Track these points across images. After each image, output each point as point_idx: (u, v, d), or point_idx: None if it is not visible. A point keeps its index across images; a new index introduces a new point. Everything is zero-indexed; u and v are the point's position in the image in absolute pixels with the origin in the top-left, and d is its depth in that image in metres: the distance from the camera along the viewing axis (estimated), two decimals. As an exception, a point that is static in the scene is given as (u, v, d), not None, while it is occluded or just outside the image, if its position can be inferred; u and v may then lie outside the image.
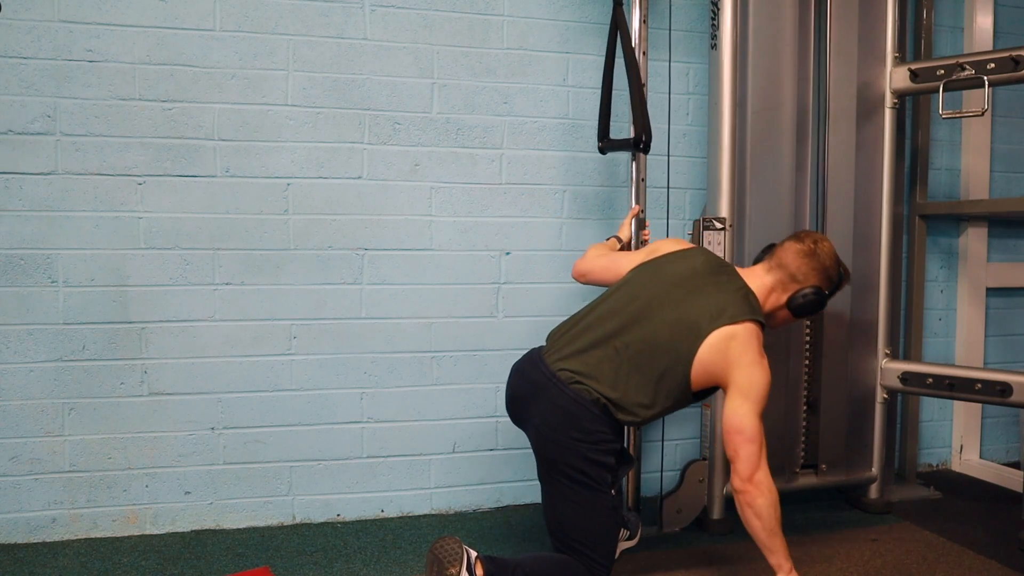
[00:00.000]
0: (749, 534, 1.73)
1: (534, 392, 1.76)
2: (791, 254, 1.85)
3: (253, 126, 2.28)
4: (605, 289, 1.92)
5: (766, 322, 1.81)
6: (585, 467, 1.69)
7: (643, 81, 2.24)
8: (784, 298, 1.85)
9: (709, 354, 1.68)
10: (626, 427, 1.83)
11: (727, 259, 2.24)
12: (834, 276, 1.88)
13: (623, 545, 2.10)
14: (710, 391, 1.78)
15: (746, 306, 1.73)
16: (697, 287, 1.76)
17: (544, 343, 1.87)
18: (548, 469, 1.74)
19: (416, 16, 2.37)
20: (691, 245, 1.92)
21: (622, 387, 1.70)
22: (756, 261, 1.96)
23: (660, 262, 1.85)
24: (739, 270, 1.88)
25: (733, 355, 1.67)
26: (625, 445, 1.82)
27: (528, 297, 2.50)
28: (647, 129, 2.16)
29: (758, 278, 1.86)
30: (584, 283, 2.08)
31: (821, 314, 2.40)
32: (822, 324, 2.41)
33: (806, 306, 1.84)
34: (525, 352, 1.90)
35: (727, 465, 2.34)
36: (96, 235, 2.19)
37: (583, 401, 1.68)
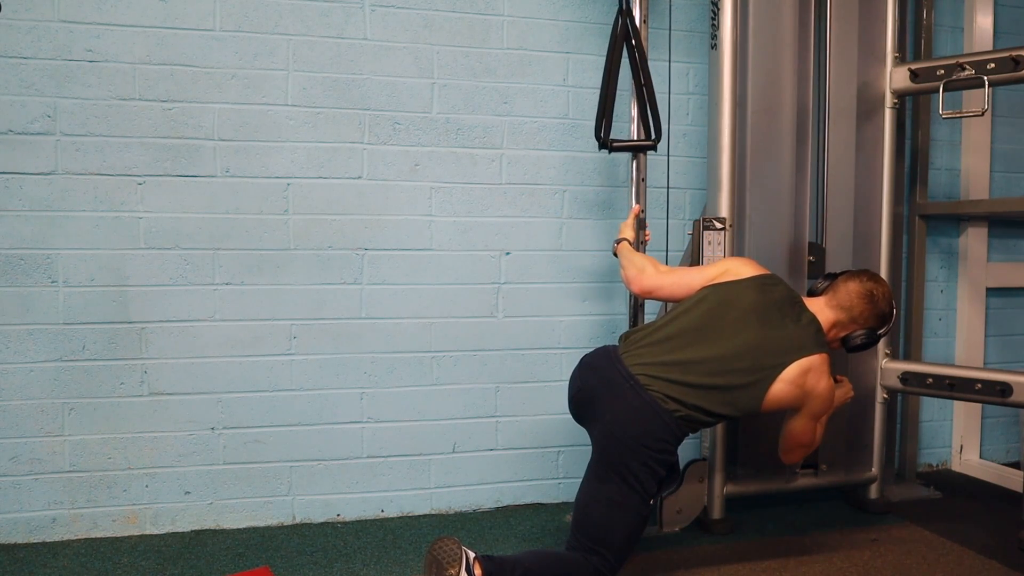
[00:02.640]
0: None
1: (608, 389, 1.78)
2: (854, 297, 1.94)
3: (253, 126, 2.28)
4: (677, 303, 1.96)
5: None
6: (640, 472, 1.72)
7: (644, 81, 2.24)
8: (842, 334, 1.96)
9: (786, 387, 1.79)
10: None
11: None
12: (888, 318, 1.98)
13: None
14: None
15: (818, 340, 1.85)
16: (776, 318, 1.84)
17: (616, 343, 1.90)
18: (605, 467, 1.76)
19: (416, 16, 2.37)
20: (764, 270, 1.96)
21: (692, 400, 1.75)
22: (815, 292, 2.04)
23: (740, 287, 1.89)
24: (805, 300, 1.96)
25: (808, 387, 1.80)
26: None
27: (528, 297, 2.50)
28: (659, 129, 2.21)
29: (822, 312, 1.94)
30: (650, 298, 2.10)
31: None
32: (822, 324, 2.41)
33: (861, 346, 1.97)
34: (595, 349, 1.91)
35: (727, 465, 2.35)
36: (96, 235, 2.19)
37: (658, 408, 1.72)
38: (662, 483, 1.79)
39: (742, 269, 1.94)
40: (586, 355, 1.91)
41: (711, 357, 1.78)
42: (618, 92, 2.46)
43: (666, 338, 1.83)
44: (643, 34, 2.24)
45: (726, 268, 1.96)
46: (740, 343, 1.79)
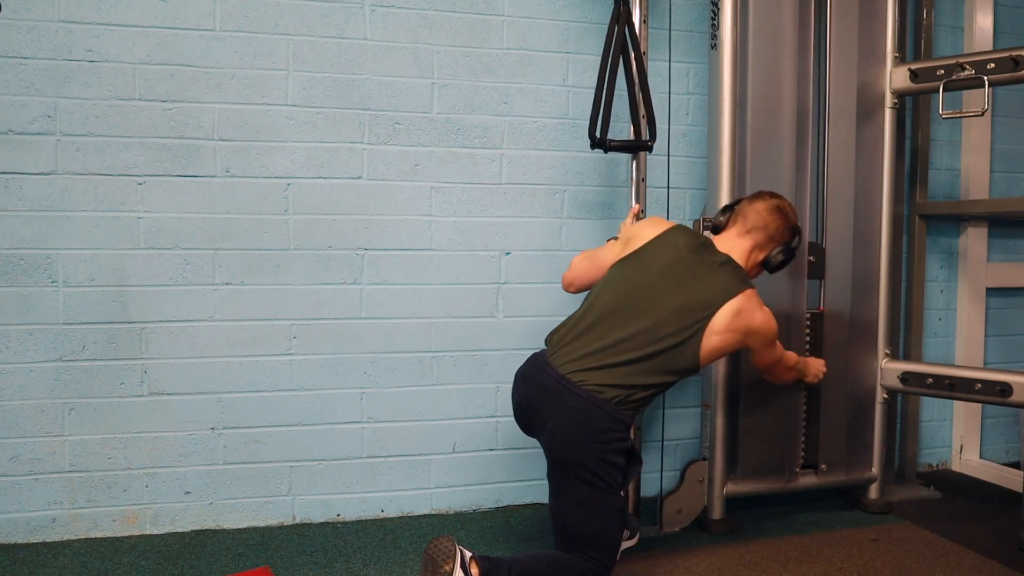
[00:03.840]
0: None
1: (545, 396, 1.75)
2: (765, 214, 1.94)
3: (253, 126, 2.28)
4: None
5: None
6: (597, 468, 1.70)
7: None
8: (761, 256, 1.96)
9: (720, 337, 1.77)
10: (634, 423, 1.85)
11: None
12: (798, 230, 2.00)
13: (623, 545, 2.11)
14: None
15: (737, 278, 1.82)
16: (688, 271, 1.81)
17: (544, 346, 1.87)
18: (561, 472, 1.74)
19: (416, 16, 2.37)
20: (668, 224, 1.92)
21: (629, 380, 1.72)
22: (719, 227, 2.03)
23: (643, 252, 1.86)
24: (714, 239, 1.94)
25: (744, 326, 1.79)
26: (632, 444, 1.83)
27: (528, 297, 2.50)
28: (653, 130, 2.22)
29: (736, 243, 1.93)
30: (575, 292, 2.07)
31: (821, 315, 2.41)
32: (822, 324, 2.41)
33: (783, 263, 1.98)
34: (527, 358, 1.88)
35: (727, 465, 2.35)
36: (96, 235, 2.19)
37: (596, 401, 1.69)
38: (626, 471, 1.77)
39: (644, 231, 1.91)
40: (522, 366, 1.87)
41: (637, 331, 1.74)
42: (618, 93, 2.46)
43: (588, 327, 1.79)
44: (643, 34, 2.24)
45: (630, 235, 1.93)
46: (661, 309, 1.76)
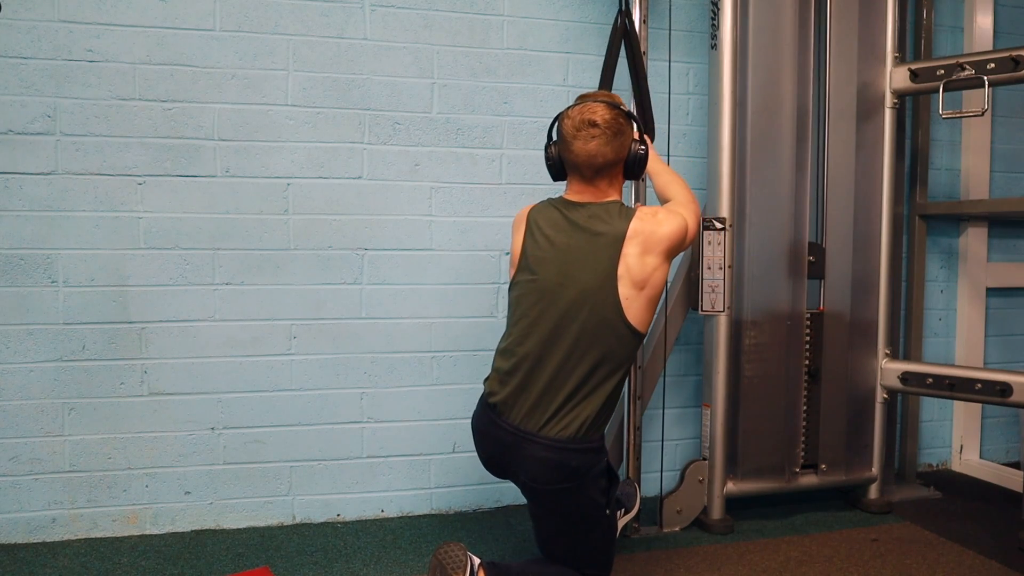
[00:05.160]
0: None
1: (507, 451, 1.67)
2: (597, 155, 1.69)
3: (253, 126, 2.28)
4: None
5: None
6: (581, 500, 1.66)
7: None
8: (623, 165, 1.75)
9: (632, 285, 1.64)
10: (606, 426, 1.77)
11: (727, 260, 2.24)
12: (631, 113, 1.77)
13: (623, 520, 2.12)
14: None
15: (620, 214, 1.69)
16: (576, 252, 1.67)
17: (487, 389, 1.75)
18: (546, 512, 1.72)
19: (416, 16, 2.37)
20: (524, 215, 1.80)
21: (587, 406, 1.63)
22: (579, 184, 1.76)
23: (531, 258, 1.73)
24: (579, 197, 1.75)
25: (661, 249, 1.67)
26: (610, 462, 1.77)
27: (528, 297, 2.50)
28: (652, 129, 2.22)
29: (603, 192, 1.74)
30: None
31: (821, 315, 2.41)
32: (822, 324, 2.41)
33: (644, 155, 1.76)
34: (478, 404, 1.78)
35: (727, 465, 2.35)
36: (96, 235, 2.19)
37: (561, 443, 1.61)
38: (608, 490, 1.72)
39: (515, 239, 1.79)
40: (473, 417, 1.78)
41: (565, 355, 1.63)
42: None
43: (520, 361, 1.67)
44: (643, 34, 2.24)
45: (513, 242, 1.81)
46: (574, 307, 1.63)
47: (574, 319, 1.64)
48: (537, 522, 1.76)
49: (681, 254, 2.49)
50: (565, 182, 1.82)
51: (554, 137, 1.80)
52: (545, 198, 1.83)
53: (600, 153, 1.69)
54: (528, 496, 1.74)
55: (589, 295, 1.64)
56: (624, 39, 2.20)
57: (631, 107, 2.28)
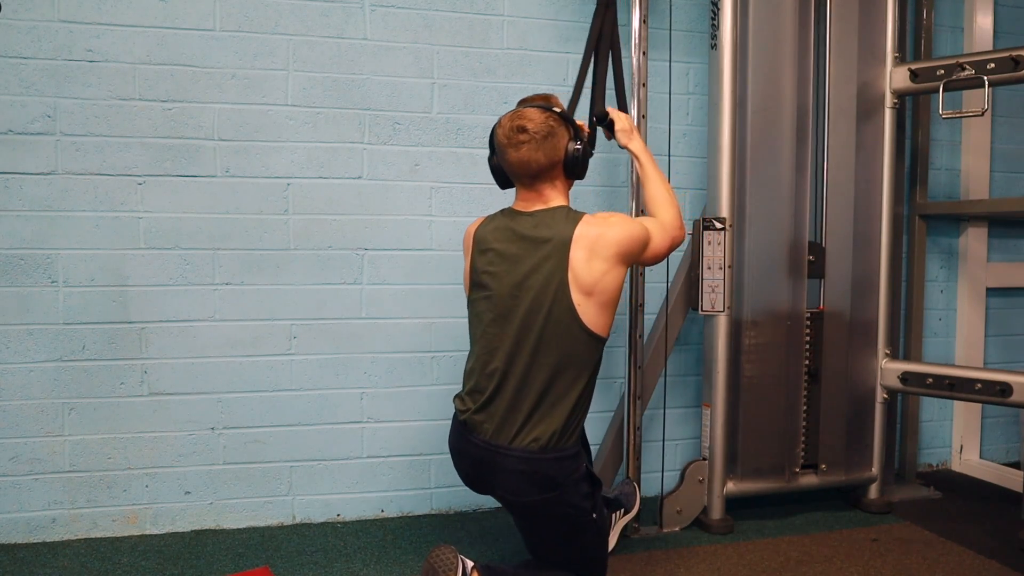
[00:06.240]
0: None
1: (483, 467, 1.67)
2: (530, 161, 1.66)
3: (253, 126, 2.28)
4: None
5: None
6: (564, 509, 1.65)
7: (643, 81, 2.24)
8: (563, 169, 1.72)
9: (580, 291, 1.61)
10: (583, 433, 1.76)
11: (727, 260, 2.24)
12: (565, 112, 1.72)
13: (623, 520, 2.14)
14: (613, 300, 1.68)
15: (567, 219, 1.65)
16: (525, 262, 1.65)
17: (456, 407, 1.77)
18: (531, 523, 1.72)
19: (416, 16, 2.37)
20: (472, 231, 1.80)
21: (555, 415, 1.62)
22: (523, 190, 1.74)
23: (483, 274, 1.74)
24: (525, 205, 1.73)
25: (612, 253, 1.62)
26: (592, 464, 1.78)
27: (528, 297, 2.49)
28: (625, 108, 2.14)
29: (548, 197, 1.71)
30: None
31: (821, 314, 2.41)
32: (822, 324, 2.41)
33: (583, 153, 1.71)
34: (452, 421, 1.79)
35: (727, 465, 2.35)
36: (96, 235, 2.19)
37: (535, 454, 1.60)
38: (592, 494, 1.70)
39: (467, 253, 1.80)
40: (449, 437, 1.79)
41: (527, 365, 1.62)
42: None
43: (487, 378, 1.67)
44: (643, 34, 2.24)
45: (465, 262, 1.82)
46: (530, 318, 1.62)
47: (531, 328, 1.63)
48: (524, 533, 1.77)
49: (683, 254, 2.51)
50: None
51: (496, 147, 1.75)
52: (498, 210, 1.82)
53: (532, 159, 1.66)
54: (510, 510, 1.74)
55: (543, 303, 1.62)
56: (602, 20, 2.14)
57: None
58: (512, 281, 1.67)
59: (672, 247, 1.80)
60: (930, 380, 2.36)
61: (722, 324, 2.29)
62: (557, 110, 1.69)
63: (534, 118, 1.66)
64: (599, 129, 2.07)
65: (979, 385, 2.25)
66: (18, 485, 2.18)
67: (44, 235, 2.16)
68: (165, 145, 2.22)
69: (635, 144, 1.95)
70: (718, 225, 2.24)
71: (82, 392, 2.20)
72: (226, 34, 2.24)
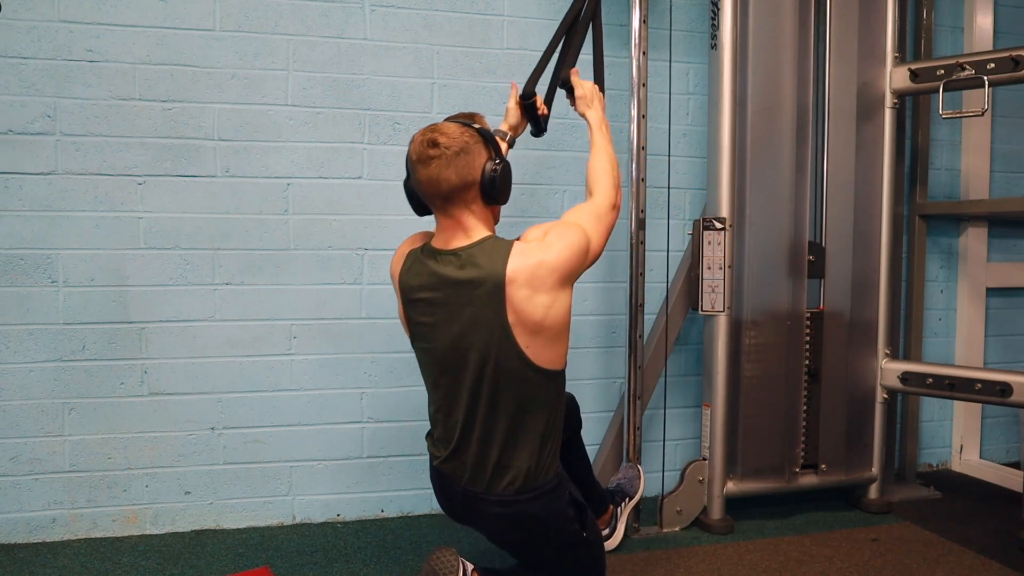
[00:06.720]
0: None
1: (464, 510, 1.65)
2: (440, 180, 1.48)
3: (253, 126, 2.27)
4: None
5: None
6: (551, 540, 1.63)
7: (643, 81, 2.24)
8: (481, 202, 1.55)
9: (526, 332, 1.48)
10: (556, 460, 1.66)
11: (727, 260, 2.24)
12: (485, 129, 1.57)
13: (628, 507, 2.15)
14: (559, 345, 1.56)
15: (499, 261, 1.47)
16: (460, 313, 1.52)
17: (429, 450, 1.72)
18: (519, 553, 1.71)
19: (416, 16, 2.37)
20: (400, 264, 1.66)
21: (513, 445, 1.55)
22: (441, 218, 1.58)
23: (418, 326, 1.63)
24: (446, 242, 1.57)
25: (544, 284, 1.47)
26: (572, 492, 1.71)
27: (528, 297, 2.49)
28: (602, 86, 2.05)
29: (469, 227, 1.55)
30: None
31: (821, 317, 2.41)
32: (822, 323, 2.41)
33: (499, 175, 1.53)
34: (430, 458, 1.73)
35: (727, 465, 2.35)
36: (96, 235, 2.19)
37: (515, 496, 1.55)
38: (578, 519, 1.66)
39: (396, 293, 1.67)
40: (430, 473, 1.71)
41: (486, 414, 1.54)
42: (618, 93, 2.47)
43: (452, 427, 1.60)
44: (643, 34, 2.24)
45: (398, 305, 1.69)
46: (481, 375, 1.52)
47: (483, 380, 1.52)
48: (517, 556, 1.75)
49: (682, 253, 2.51)
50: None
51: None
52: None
53: (442, 178, 1.47)
54: (499, 545, 1.73)
55: (488, 355, 1.50)
56: (587, 17, 2.09)
57: (632, 108, 2.28)
58: (451, 335, 1.54)
59: (608, 234, 1.65)
60: (930, 380, 2.36)
61: (722, 324, 2.29)
62: (477, 126, 1.54)
63: (448, 132, 1.49)
64: (561, 96, 2.00)
65: (979, 385, 2.25)
66: (18, 485, 2.18)
67: (44, 235, 2.16)
68: (165, 145, 2.22)
69: (592, 114, 1.85)
70: (718, 225, 2.24)
71: (82, 392, 2.20)
72: (226, 34, 2.24)
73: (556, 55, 2.05)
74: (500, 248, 1.50)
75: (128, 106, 2.19)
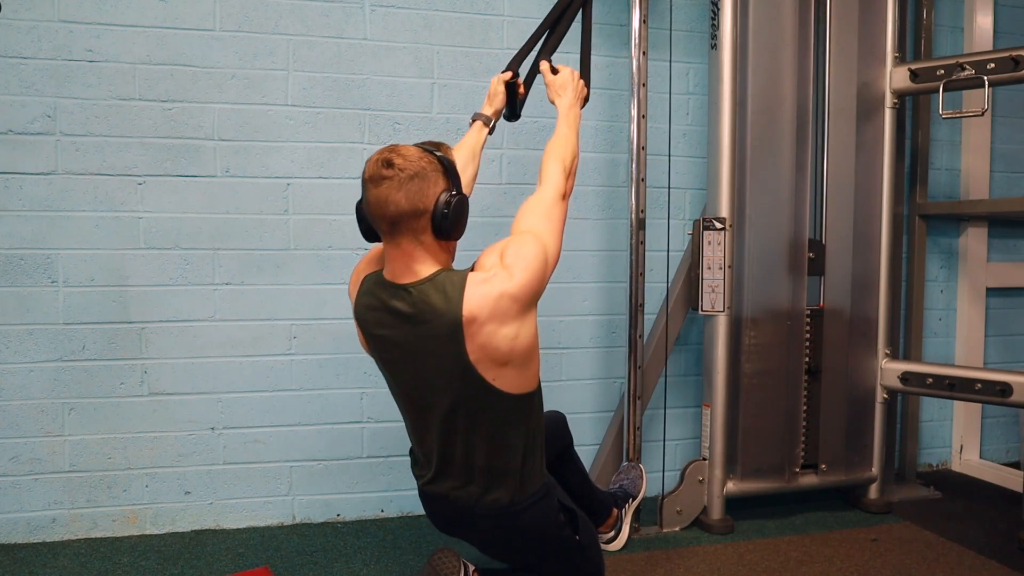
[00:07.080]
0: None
1: (454, 524, 1.65)
2: (388, 201, 1.38)
3: (253, 126, 2.27)
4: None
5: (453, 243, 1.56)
6: (545, 548, 1.63)
7: (643, 81, 2.24)
8: (431, 235, 1.45)
9: (493, 366, 1.44)
10: (544, 468, 1.64)
11: (727, 260, 2.24)
12: (444, 159, 1.46)
13: (631, 507, 2.16)
14: (528, 368, 1.51)
15: (454, 298, 1.40)
16: (418, 353, 1.47)
17: (413, 468, 1.71)
18: (514, 563, 1.72)
19: (416, 16, 2.37)
20: (356, 295, 1.58)
21: (496, 463, 1.53)
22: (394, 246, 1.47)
23: (380, 360, 1.60)
24: (397, 275, 1.49)
25: (508, 314, 1.40)
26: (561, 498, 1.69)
27: (528, 297, 2.49)
28: (588, 79, 2.01)
29: (420, 259, 1.46)
30: None
31: (821, 315, 2.41)
32: (822, 324, 2.41)
33: (454, 210, 1.43)
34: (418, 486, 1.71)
35: (727, 465, 2.35)
36: (96, 235, 2.19)
37: (504, 509, 1.54)
38: (570, 524, 1.65)
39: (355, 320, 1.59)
40: (419, 487, 1.67)
41: (463, 440, 1.52)
42: (618, 93, 2.47)
43: (428, 459, 1.60)
44: (643, 34, 2.24)
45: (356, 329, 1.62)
46: (451, 408, 1.49)
47: (455, 412, 1.49)
48: (513, 566, 1.75)
49: (682, 253, 2.51)
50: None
51: None
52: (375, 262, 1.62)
53: (391, 200, 1.37)
54: (494, 558, 1.73)
55: (454, 391, 1.46)
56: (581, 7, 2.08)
57: (632, 108, 2.28)
58: (412, 375, 1.51)
59: (561, 227, 1.60)
60: (930, 380, 2.36)
61: (722, 324, 2.29)
62: (439, 155, 1.45)
63: (406, 154, 1.40)
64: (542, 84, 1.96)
65: (979, 385, 2.25)
66: (18, 485, 2.18)
67: (44, 235, 2.16)
68: (165, 145, 2.22)
69: (561, 102, 1.79)
70: (718, 225, 2.24)
71: (82, 392, 2.20)
72: (226, 34, 2.24)
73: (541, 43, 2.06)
74: (453, 283, 1.42)
75: (128, 106, 2.19)
